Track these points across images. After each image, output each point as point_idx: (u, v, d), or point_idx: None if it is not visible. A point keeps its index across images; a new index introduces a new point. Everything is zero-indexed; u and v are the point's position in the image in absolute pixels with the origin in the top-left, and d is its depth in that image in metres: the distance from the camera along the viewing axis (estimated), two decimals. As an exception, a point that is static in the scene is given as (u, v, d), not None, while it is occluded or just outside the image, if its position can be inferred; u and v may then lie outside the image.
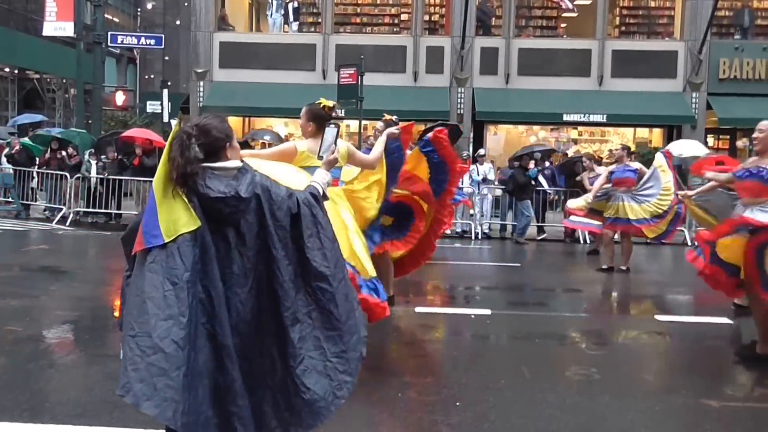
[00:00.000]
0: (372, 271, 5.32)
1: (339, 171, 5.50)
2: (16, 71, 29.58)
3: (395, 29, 24.37)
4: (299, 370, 2.91)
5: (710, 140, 22.62)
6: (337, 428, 4.13)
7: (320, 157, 3.60)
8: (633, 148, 21.36)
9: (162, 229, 2.81)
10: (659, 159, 10.56)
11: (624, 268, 10.69)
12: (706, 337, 6.49)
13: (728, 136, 22.61)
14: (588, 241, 14.56)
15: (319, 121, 5.32)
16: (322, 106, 5.32)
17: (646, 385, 5.44)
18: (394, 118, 7.56)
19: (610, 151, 21.57)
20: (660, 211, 10.30)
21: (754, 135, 6.07)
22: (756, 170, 5.91)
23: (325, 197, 3.27)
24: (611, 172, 10.89)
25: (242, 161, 3.06)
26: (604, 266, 10.85)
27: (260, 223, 2.95)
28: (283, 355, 2.93)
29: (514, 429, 4.35)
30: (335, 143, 3.64)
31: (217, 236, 2.90)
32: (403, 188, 6.83)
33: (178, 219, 2.82)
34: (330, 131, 3.68)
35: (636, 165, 10.86)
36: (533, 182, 15.40)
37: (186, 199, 2.86)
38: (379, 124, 7.45)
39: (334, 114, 5.38)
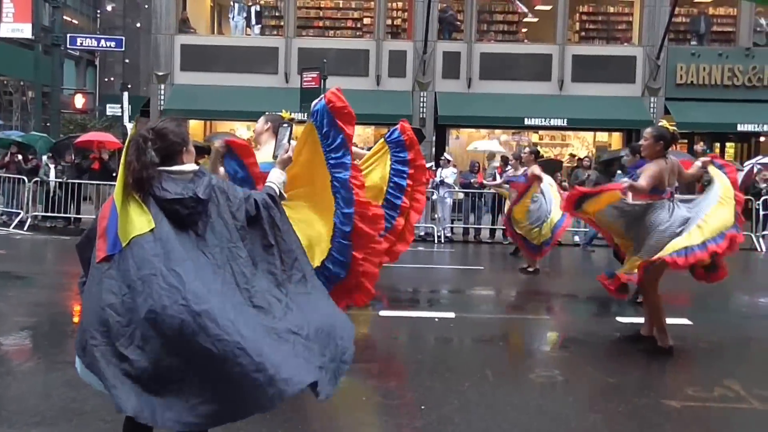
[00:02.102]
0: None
1: None
2: (-29, 73, 28.97)
3: (358, 33, 24.40)
4: None
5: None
6: (301, 431, 4.14)
7: (275, 157, 3.62)
8: (593, 152, 21.79)
9: (119, 236, 2.81)
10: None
11: (531, 269, 10.82)
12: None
13: (686, 140, 23.04)
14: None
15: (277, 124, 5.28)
16: (282, 117, 5.33)
17: (609, 387, 5.49)
18: None
19: (571, 155, 21.88)
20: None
21: (641, 142, 6.34)
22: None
23: (281, 197, 3.28)
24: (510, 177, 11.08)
25: (198, 165, 3.06)
26: (527, 267, 11.00)
27: (222, 222, 2.95)
28: None
29: (478, 430, 4.37)
30: (289, 143, 3.67)
31: (180, 234, 2.87)
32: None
33: (132, 223, 2.81)
34: (283, 131, 3.70)
35: (532, 171, 10.90)
36: None
37: (142, 203, 2.84)
38: None
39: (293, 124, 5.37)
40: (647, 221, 6.06)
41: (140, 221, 2.81)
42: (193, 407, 2.71)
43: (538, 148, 11.92)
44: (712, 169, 6.36)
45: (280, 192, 3.30)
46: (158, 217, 2.84)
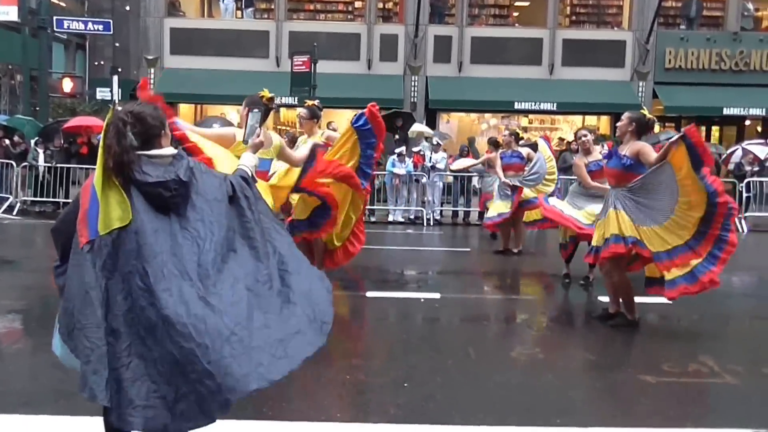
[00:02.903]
0: None
1: (268, 162, 5.46)
2: (-42, 57, 28.71)
3: (349, 16, 24.34)
4: None
5: (656, 128, 23.10)
6: (285, 410, 4.19)
7: (245, 142, 3.67)
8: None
9: (100, 223, 2.79)
10: (541, 145, 10.78)
11: (515, 251, 10.91)
12: (646, 316, 6.68)
13: (673, 124, 23.16)
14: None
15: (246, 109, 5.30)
16: (261, 96, 5.38)
17: (588, 364, 5.61)
18: (316, 102, 7.57)
19: (560, 139, 21.95)
20: (543, 193, 10.51)
21: (618, 123, 6.52)
22: (618, 157, 6.41)
23: (254, 179, 3.30)
24: (501, 158, 11.07)
25: (176, 149, 3.07)
26: (500, 249, 11.09)
27: (203, 199, 2.95)
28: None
29: (460, 408, 4.44)
30: (259, 127, 3.71)
31: (159, 219, 2.86)
32: (328, 175, 6.82)
33: (113, 212, 2.80)
34: (253, 116, 3.74)
35: (524, 150, 11.02)
36: None
37: (122, 189, 2.83)
38: (302, 111, 7.43)
39: (272, 105, 5.38)
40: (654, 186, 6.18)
41: (120, 211, 2.80)
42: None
43: (518, 130, 11.91)
44: (676, 156, 6.47)
45: (252, 174, 3.32)
46: (137, 204, 2.83)
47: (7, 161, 15.78)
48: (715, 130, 24.11)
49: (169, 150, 2.99)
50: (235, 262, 2.94)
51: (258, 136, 3.63)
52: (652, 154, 6.13)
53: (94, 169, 2.86)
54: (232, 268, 2.92)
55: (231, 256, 2.94)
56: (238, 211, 3.06)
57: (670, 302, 7.26)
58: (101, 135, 2.88)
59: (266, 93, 5.41)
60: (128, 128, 2.86)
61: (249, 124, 3.72)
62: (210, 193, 2.98)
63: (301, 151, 6.21)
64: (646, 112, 6.54)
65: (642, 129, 6.37)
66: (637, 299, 6.62)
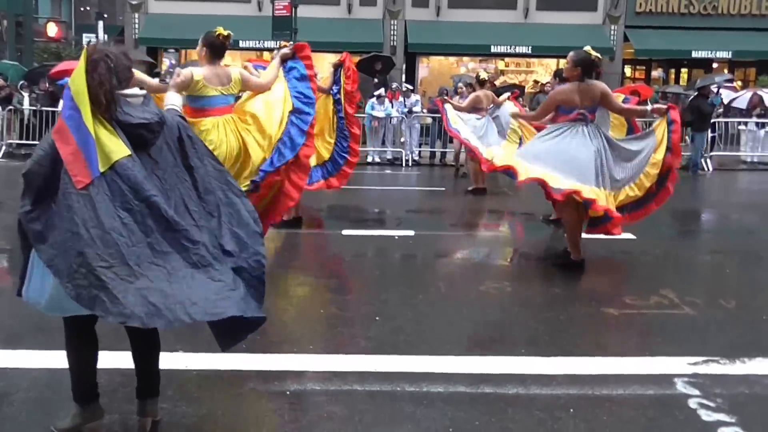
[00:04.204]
0: None
1: (233, 98, 5.56)
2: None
3: (329, -41, 24.34)
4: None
5: (627, 71, 23.68)
6: (258, 343, 4.21)
7: (164, 81, 3.81)
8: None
9: (99, 159, 2.77)
10: (507, 104, 11.20)
11: (470, 189, 11.37)
12: (612, 252, 6.95)
13: (644, 67, 23.70)
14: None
15: (212, 48, 5.44)
16: (217, 34, 5.47)
17: (553, 297, 5.76)
18: (289, 43, 7.75)
19: (535, 81, 22.48)
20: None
21: (565, 66, 6.54)
22: None
23: (183, 118, 3.33)
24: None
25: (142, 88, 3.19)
26: (470, 188, 11.50)
27: (167, 147, 3.03)
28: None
29: (428, 340, 4.60)
30: (179, 66, 3.86)
31: (144, 166, 2.93)
32: None
33: (109, 147, 2.80)
34: (168, 56, 3.94)
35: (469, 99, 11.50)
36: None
37: (111, 127, 2.86)
38: (272, 54, 7.43)
39: (228, 44, 5.47)
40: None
41: (116, 144, 2.82)
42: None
43: (483, 73, 12.25)
44: (660, 129, 6.57)
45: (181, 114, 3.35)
46: (128, 146, 2.86)
47: (-9, 105, 15.73)
48: (684, 73, 24.64)
49: (140, 90, 3.11)
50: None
51: (178, 75, 3.76)
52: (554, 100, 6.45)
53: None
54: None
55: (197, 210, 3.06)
56: (182, 153, 3.10)
57: (634, 238, 7.59)
58: (82, 74, 2.82)
59: (221, 31, 5.51)
60: (112, 68, 2.91)
61: (169, 65, 3.85)
62: (171, 138, 3.06)
63: (267, 74, 5.88)
64: (590, 50, 6.32)
65: (588, 70, 6.27)
66: (602, 236, 6.82)
